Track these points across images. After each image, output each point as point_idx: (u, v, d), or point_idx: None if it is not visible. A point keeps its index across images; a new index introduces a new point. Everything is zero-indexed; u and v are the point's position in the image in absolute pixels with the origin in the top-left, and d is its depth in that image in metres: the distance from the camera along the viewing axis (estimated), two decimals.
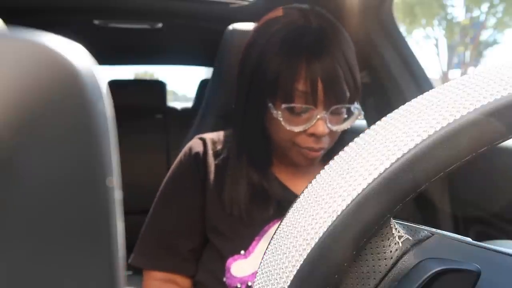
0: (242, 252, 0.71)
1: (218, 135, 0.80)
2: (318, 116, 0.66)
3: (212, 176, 0.74)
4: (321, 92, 0.65)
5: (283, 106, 0.66)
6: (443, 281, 0.22)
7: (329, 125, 0.67)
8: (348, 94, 0.68)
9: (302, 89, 0.65)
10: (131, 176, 1.40)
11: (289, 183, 0.77)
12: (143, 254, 0.76)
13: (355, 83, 0.69)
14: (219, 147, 0.77)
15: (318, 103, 0.66)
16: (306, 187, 0.25)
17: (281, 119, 0.67)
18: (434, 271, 0.22)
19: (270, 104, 0.68)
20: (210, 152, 0.76)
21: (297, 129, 0.67)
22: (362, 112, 0.73)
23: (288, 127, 0.67)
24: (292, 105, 0.66)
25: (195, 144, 0.78)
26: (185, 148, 0.79)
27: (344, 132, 0.73)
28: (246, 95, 0.71)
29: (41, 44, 0.15)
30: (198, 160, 0.76)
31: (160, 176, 0.81)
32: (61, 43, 0.15)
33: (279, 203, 0.74)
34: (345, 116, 0.71)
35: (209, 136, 0.79)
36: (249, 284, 0.69)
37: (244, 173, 0.73)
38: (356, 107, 0.71)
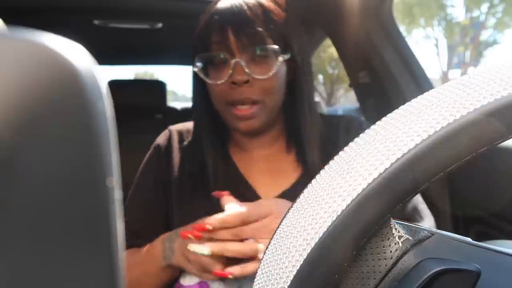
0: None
1: (188, 125, 0.81)
2: (233, 61, 0.66)
3: (175, 163, 0.75)
4: (233, 38, 0.66)
5: (199, 56, 0.69)
6: (443, 281, 0.22)
7: (247, 70, 0.66)
8: (268, 39, 0.66)
9: (217, 39, 0.67)
10: (131, 176, 1.39)
11: (243, 169, 0.75)
12: None
13: (276, 25, 0.67)
14: (186, 136, 0.79)
15: (233, 50, 0.66)
16: (306, 187, 0.25)
17: (198, 70, 0.69)
18: (434, 271, 0.22)
19: (197, 63, 0.70)
20: (175, 142, 0.78)
21: (219, 81, 0.67)
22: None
23: (210, 81, 0.68)
24: (207, 54, 0.68)
25: (159, 137, 0.80)
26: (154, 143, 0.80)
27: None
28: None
29: (41, 44, 0.15)
30: (161, 151, 0.77)
31: None
32: (61, 43, 0.15)
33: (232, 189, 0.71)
34: (275, 66, 0.68)
35: (176, 127, 0.81)
36: None
37: (200, 152, 0.74)
38: (276, 50, 0.67)
